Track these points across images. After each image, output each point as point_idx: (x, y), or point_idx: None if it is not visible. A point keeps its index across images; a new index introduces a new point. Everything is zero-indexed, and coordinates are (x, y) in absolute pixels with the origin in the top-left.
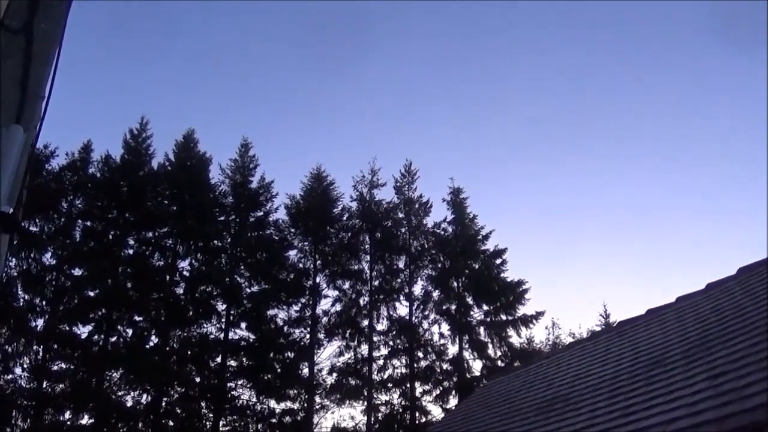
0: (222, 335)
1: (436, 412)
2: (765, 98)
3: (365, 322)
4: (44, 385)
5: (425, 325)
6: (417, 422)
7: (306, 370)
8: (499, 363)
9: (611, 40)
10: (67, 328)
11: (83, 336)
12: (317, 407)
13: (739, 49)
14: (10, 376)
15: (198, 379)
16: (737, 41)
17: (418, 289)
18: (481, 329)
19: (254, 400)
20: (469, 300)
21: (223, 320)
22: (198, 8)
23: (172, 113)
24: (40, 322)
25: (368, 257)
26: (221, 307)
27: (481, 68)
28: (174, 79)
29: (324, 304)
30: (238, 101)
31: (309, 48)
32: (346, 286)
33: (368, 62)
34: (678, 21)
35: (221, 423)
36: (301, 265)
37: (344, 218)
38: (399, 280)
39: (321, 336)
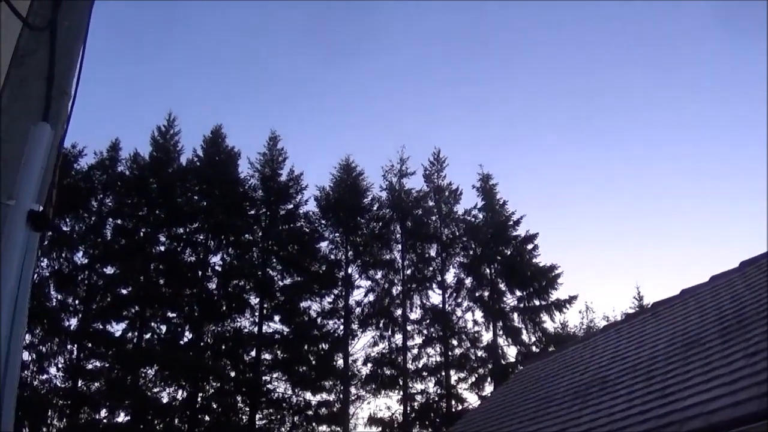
0: (256, 329)
1: (472, 400)
2: None
3: (398, 312)
4: (79, 384)
5: (459, 312)
6: (453, 410)
7: (341, 362)
8: (534, 348)
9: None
10: (101, 327)
11: (117, 334)
12: (353, 398)
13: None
14: (45, 376)
15: (233, 374)
16: (742, 34)
17: (450, 277)
18: (515, 315)
19: (290, 392)
20: (502, 286)
21: (257, 314)
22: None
23: (198, 109)
24: (73, 322)
25: (400, 246)
26: (254, 300)
27: (501, 46)
28: (198, 74)
29: (357, 295)
30: (262, 93)
31: (327, 36)
32: (379, 276)
33: (386, 47)
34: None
35: (257, 416)
36: (332, 257)
37: (374, 208)
38: (431, 269)
39: (355, 327)
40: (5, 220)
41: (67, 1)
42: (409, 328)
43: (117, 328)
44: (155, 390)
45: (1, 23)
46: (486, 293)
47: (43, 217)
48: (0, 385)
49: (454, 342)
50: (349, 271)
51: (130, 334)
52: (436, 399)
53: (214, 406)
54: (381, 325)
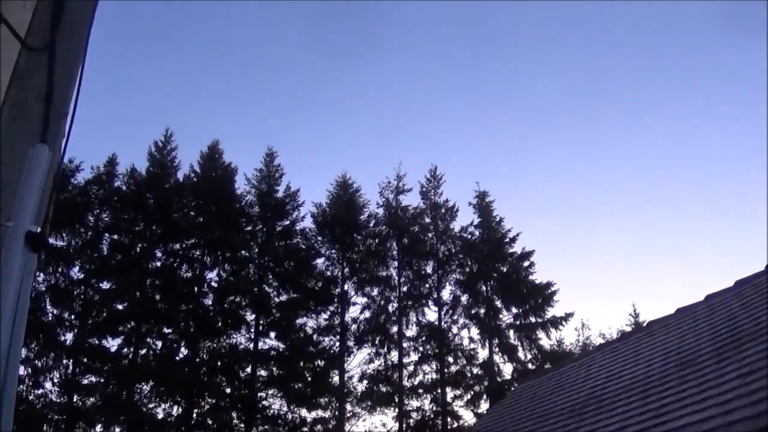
0: (251, 345)
1: (468, 417)
2: None
3: (394, 329)
4: (75, 399)
5: (455, 329)
6: (449, 427)
7: (336, 378)
8: (530, 366)
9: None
10: (97, 342)
11: (113, 349)
12: (348, 415)
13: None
14: (41, 391)
15: (228, 390)
16: (746, 36)
17: (446, 294)
18: (511, 332)
19: (285, 409)
20: (498, 303)
21: (253, 330)
22: (213, 17)
23: (195, 124)
24: (69, 336)
25: (396, 263)
26: (250, 317)
27: (497, 64)
28: (195, 88)
29: (353, 312)
30: (259, 110)
31: (323, 51)
32: (375, 292)
33: (382, 65)
34: (686, 17)
35: None
36: (329, 273)
37: (371, 225)
38: (427, 286)
39: (350, 343)
40: (3, 241)
41: (66, 21)
42: (405, 345)
43: (113, 344)
44: (150, 406)
45: (0, 44)
46: (482, 310)
47: (41, 238)
48: None
49: (450, 359)
50: (345, 287)
51: (125, 350)
52: (432, 416)
53: (210, 422)
54: (377, 341)
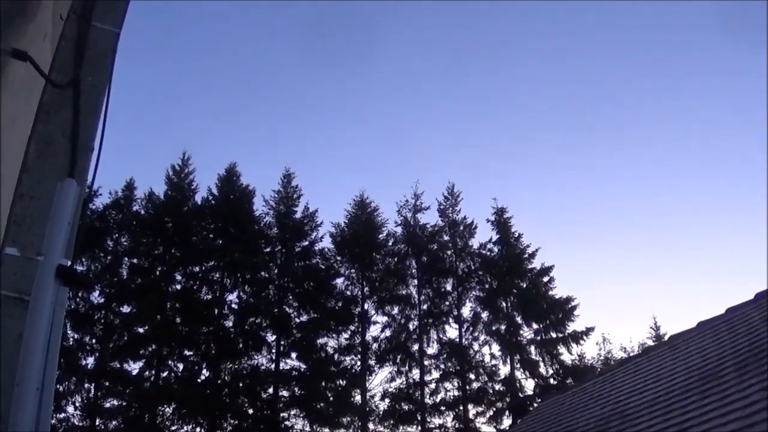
0: (273, 366)
1: None
2: None
3: (415, 347)
4: (97, 423)
5: (475, 346)
6: None
7: (358, 397)
8: (552, 381)
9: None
10: (118, 365)
11: (134, 372)
12: None
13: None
14: (63, 415)
15: (251, 411)
16: (747, 40)
17: (466, 311)
18: (532, 348)
19: (308, 429)
20: (518, 319)
21: (274, 351)
22: (229, 41)
23: (211, 147)
24: (90, 360)
25: (416, 281)
26: (271, 338)
27: (516, 78)
28: (211, 112)
29: (373, 331)
30: (275, 132)
31: (337, 71)
32: (395, 311)
33: (399, 85)
34: (686, 20)
35: None
36: (348, 293)
37: (390, 244)
38: (447, 303)
39: (372, 362)
40: (35, 275)
41: (89, 56)
42: (426, 362)
43: (134, 367)
44: (173, 428)
45: (24, 79)
46: (503, 326)
47: (72, 272)
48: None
49: (472, 376)
50: (366, 306)
51: (147, 373)
52: None
53: None
54: (398, 360)
